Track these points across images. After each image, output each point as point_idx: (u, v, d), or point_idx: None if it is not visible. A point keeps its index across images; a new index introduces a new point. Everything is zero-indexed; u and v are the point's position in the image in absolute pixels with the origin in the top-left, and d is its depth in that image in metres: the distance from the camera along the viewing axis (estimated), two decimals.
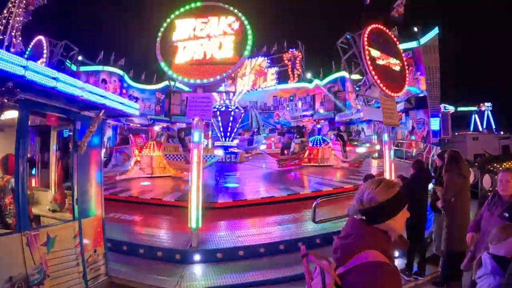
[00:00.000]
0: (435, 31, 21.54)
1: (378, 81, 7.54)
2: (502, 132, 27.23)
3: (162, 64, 5.90)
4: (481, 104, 39.45)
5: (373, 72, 7.51)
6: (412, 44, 21.68)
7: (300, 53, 34.19)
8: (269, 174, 15.64)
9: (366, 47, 7.51)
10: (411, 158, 19.62)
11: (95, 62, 29.69)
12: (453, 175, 5.10)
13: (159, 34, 6.19)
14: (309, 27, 57.90)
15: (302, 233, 6.11)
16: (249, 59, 23.68)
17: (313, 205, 4.92)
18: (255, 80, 32.04)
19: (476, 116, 39.57)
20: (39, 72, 3.30)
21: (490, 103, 39.73)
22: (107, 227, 5.85)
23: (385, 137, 7.97)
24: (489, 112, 39.65)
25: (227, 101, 26.27)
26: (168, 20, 6.32)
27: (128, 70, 31.76)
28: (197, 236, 5.63)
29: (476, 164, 8.93)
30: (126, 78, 31.16)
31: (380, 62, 7.84)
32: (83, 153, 4.42)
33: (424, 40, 21.79)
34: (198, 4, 6.52)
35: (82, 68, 27.97)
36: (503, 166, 12.99)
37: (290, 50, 34.26)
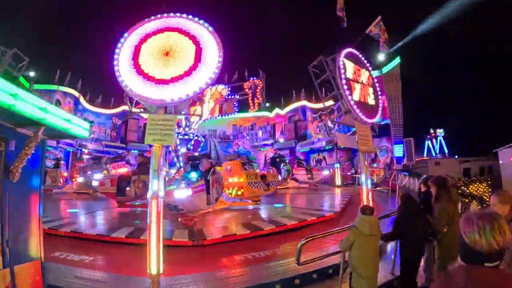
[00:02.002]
0: (397, 60, 22.53)
1: (355, 107, 7.24)
2: (457, 156, 28.73)
3: (121, 80, 5.09)
4: (432, 133, 41.75)
5: (349, 97, 7.21)
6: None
7: (261, 82, 34.23)
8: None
9: (342, 71, 7.24)
10: (374, 185, 19.88)
11: (50, 80, 27.77)
12: (444, 203, 4.81)
13: (119, 45, 5.41)
14: (270, 56, 59.07)
15: (280, 273, 5.36)
16: (209, 87, 23.21)
17: (298, 246, 4.25)
18: (214, 107, 31.36)
19: (429, 142, 41.70)
20: None
21: (442, 129, 42.20)
22: (53, 272, 4.81)
23: (362, 164, 7.65)
24: (442, 138, 42.00)
25: (186, 129, 25.35)
26: (126, 34, 5.58)
27: (84, 92, 30.05)
28: (157, 284, 4.67)
29: None
30: (82, 100, 29.36)
31: (355, 86, 7.59)
32: (16, 181, 3.50)
33: (386, 69, 22.69)
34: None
35: (36, 86, 25.98)
36: (469, 188, 13.31)
37: (251, 78, 34.24)
